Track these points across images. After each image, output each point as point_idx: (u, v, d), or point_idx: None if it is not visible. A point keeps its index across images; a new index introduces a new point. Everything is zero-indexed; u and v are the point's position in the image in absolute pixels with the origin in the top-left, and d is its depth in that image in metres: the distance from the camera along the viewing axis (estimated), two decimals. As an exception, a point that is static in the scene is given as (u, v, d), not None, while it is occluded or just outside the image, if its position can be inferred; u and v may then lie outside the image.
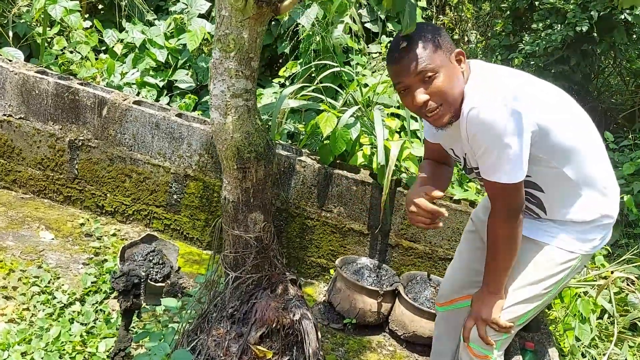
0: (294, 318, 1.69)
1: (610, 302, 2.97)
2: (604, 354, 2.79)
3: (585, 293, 3.06)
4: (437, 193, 1.66)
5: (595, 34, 4.53)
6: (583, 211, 1.70)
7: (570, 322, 2.91)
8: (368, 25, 4.08)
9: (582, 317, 2.90)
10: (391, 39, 4.17)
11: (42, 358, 2.01)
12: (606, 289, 2.96)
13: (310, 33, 3.48)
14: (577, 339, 2.85)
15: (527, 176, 1.58)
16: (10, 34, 3.55)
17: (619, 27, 4.40)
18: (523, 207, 1.63)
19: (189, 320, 1.79)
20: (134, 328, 2.29)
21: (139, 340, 2.06)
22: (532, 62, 4.77)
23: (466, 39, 7.07)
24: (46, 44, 3.61)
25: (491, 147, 1.51)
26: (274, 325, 1.67)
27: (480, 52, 6.40)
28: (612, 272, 3.04)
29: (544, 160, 1.62)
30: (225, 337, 1.68)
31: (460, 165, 1.79)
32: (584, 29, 4.35)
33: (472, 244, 2.04)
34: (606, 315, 3.05)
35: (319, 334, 1.76)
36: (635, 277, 3.10)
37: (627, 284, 3.15)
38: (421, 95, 1.52)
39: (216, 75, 1.54)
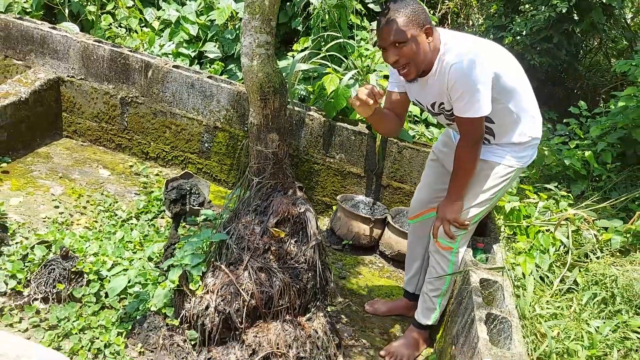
0: (300, 211, 2.34)
1: (567, 237, 3.57)
2: (557, 277, 3.40)
3: (547, 230, 3.66)
4: (374, 89, 2.17)
5: (575, 15, 5.07)
6: (520, 135, 2.32)
7: (533, 254, 3.52)
8: (371, 5, 4.67)
9: (543, 249, 3.50)
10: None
11: (112, 250, 2.68)
12: (564, 225, 3.55)
13: (320, 10, 4.10)
14: (538, 266, 3.45)
15: None
16: (66, 11, 4.21)
17: (595, 8, 4.94)
18: (483, 135, 2.25)
19: (226, 214, 2.44)
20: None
21: (185, 240, 2.72)
22: (519, 41, 5.33)
23: (470, 22, 7.61)
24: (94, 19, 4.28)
25: (466, 92, 2.11)
26: (286, 215, 2.32)
27: (482, 34, 6.95)
28: (574, 214, 3.63)
29: (496, 99, 2.23)
30: (251, 223, 2.33)
31: (425, 110, 2.39)
32: (564, 10, 4.90)
33: (434, 170, 2.67)
34: (563, 248, 3.63)
35: (317, 222, 2.40)
36: (591, 218, 3.69)
37: (583, 224, 3.73)
38: (392, 57, 2.14)
39: (245, 31, 2.17)
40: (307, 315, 2.38)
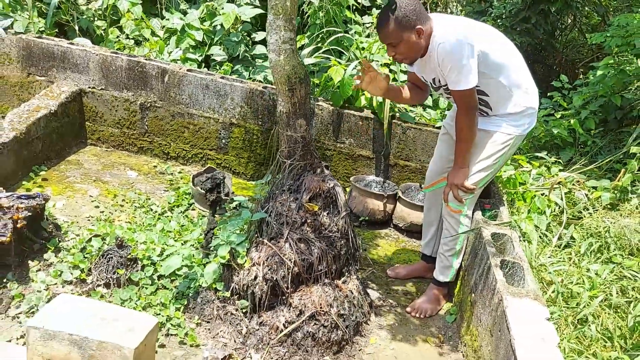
0: (329, 186, 2.64)
1: (561, 198, 3.90)
2: (556, 234, 3.73)
3: (543, 194, 4.00)
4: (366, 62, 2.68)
5: (550, -5, 5.43)
6: (515, 105, 2.64)
7: (531, 216, 3.85)
8: (361, 0, 4.98)
9: (540, 211, 3.83)
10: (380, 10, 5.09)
11: (158, 238, 2.96)
12: (557, 188, 3.88)
13: (315, 9, 4.40)
14: (536, 227, 3.78)
15: (477, 87, 2.51)
16: (77, 27, 4.46)
17: (568, -14, 5.29)
18: (477, 106, 2.57)
19: (262, 196, 2.73)
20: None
21: (222, 225, 3.00)
22: (500, 23, 5.67)
23: (449, 11, 7.96)
24: (102, 33, 4.53)
25: (453, 67, 2.45)
26: (317, 191, 2.61)
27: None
28: (564, 178, 3.97)
29: (486, 74, 2.55)
30: (287, 201, 2.62)
31: (430, 86, 2.72)
32: (540, -10, 5.25)
33: (444, 142, 2.98)
34: (558, 209, 3.97)
35: (345, 196, 2.70)
36: (582, 180, 4.03)
37: (575, 186, 4.08)
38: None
39: (271, 30, 2.46)
40: (343, 279, 2.68)
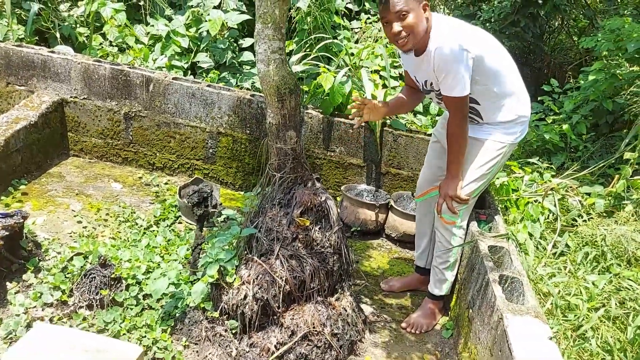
0: (321, 200, 2.55)
1: (554, 205, 3.85)
2: (549, 242, 3.67)
3: (536, 201, 3.94)
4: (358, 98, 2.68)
5: (539, -1, 5.40)
6: (507, 114, 2.57)
7: (525, 224, 3.79)
8: (349, 5, 4.91)
9: (533, 218, 3.77)
10: (369, 16, 5.02)
11: (143, 254, 2.85)
12: (551, 195, 3.82)
13: (302, 15, 4.32)
14: (530, 235, 3.72)
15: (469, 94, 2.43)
16: (58, 34, 4.33)
17: (557, -10, 5.27)
18: (468, 114, 2.50)
19: (251, 209, 2.63)
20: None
21: (210, 240, 2.90)
22: (489, 27, 5.63)
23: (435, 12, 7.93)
24: (85, 40, 4.41)
25: (449, 73, 2.35)
26: (308, 205, 2.52)
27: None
28: (557, 184, 3.91)
29: (479, 82, 2.47)
30: (277, 215, 2.53)
31: (420, 88, 2.64)
32: (528, -6, 5.22)
33: (435, 151, 2.91)
34: (551, 216, 3.92)
35: (337, 209, 2.61)
36: (575, 185, 3.98)
37: (568, 192, 4.03)
38: (397, 27, 2.36)
39: (259, 39, 2.37)
40: (336, 296, 2.59)
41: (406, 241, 3.53)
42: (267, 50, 2.36)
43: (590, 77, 4.19)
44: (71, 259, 2.70)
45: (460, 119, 2.48)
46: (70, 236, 3.07)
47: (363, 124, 3.69)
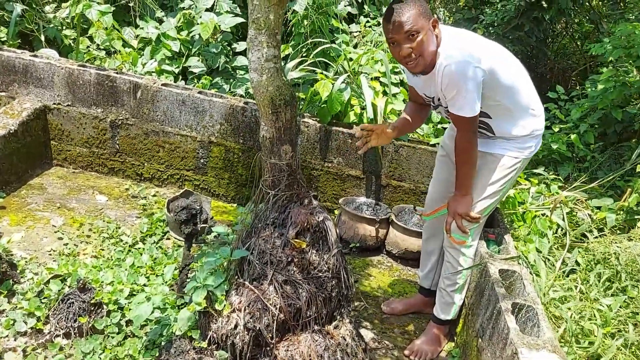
0: (318, 219, 2.35)
1: (563, 219, 3.66)
2: (558, 259, 3.49)
3: (543, 215, 3.76)
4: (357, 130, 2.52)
5: (543, 2, 5.21)
6: (520, 128, 2.38)
7: (532, 238, 3.61)
8: (348, 8, 4.71)
9: (541, 233, 3.59)
10: (368, 19, 4.83)
11: (127, 276, 2.65)
12: (559, 208, 3.64)
13: (299, 18, 4.12)
14: (538, 251, 3.54)
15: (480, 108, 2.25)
16: (43, 37, 4.12)
17: (563, -7, 5.09)
18: (477, 130, 2.31)
19: (243, 227, 2.43)
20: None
21: (199, 259, 2.70)
22: (492, 31, 5.45)
23: (435, 16, 7.76)
24: (72, 43, 4.20)
25: (458, 92, 2.17)
26: (305, 225, 2.33)
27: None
28: (565, 197, 3.73)
29: (490, 97, 2.29)
30: (271, 237, 2.33)
31: (430, 103, 2.45)
32: (533, -2, 5.04)
33: (443, 165, 2.71)
34: (559, 230, 3.74)
35: (336, 230, 2.42)
36: (584, 198, 3.79)
37: (577, 205, 3.85)
38: (406, 49, 2.16)
39: (252, 47, 2.17)
40: (334, 323, 2.39)
41: (408, 258, 3.34)
42: (261, 59, 2.16)
43: (600, 86, 4.00)
44: (48, 281, 2.50)
45: (470, 136, 2.30)
46: (50, 254, 2.86)
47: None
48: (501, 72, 2.25)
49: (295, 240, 2.30)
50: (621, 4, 7.13)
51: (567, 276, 3.17)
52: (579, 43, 6.58)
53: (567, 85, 6.22)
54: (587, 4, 5.81)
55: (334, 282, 2.35)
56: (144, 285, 2.64)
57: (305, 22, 4.15)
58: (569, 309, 2.68)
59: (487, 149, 2.43)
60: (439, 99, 2.36)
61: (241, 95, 3.93)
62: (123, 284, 2.57)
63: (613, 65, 5.69)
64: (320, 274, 2.32)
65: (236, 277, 2.33)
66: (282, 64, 3.97)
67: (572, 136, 4.18)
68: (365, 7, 4.78)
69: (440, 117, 4.05)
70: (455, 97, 2.20)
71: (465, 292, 2.67)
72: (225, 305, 2.24)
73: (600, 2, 6.78)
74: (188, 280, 2.57)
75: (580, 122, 4.44)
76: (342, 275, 2.37)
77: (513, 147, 2.42)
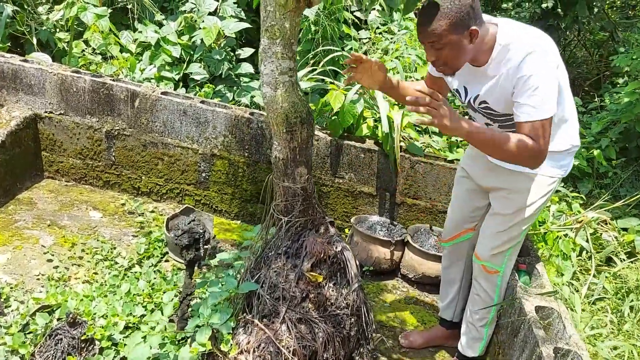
0: (336, 250, 2.12)
1: (587, 241, 3.44)
2: (584, 284, 3.27)
3: (566, 235, 3.53)
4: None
5: (559, 10, 5.00)
6: (561, 143, 2.12)
7: (554, 261, 3.39)
8: (357, 13, 4.48)
9: (564, 255, 3.37)
10: (378, 25, 4.61)
11: (121, 306, 2.40)
12: (583, 230, 3.42)
13: (309, 24, 3.89)
14: (561, 274, 3.31)
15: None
16: (34, 40, 3.87)
17: (580, 1, 4.88)
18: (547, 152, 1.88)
19: (251, 257, 2.20)
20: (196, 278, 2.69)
21: (201, 287, 2.46)
22: (505, 39, 5.23)
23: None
24: (65, 47, 3.96)
25: (541, 87, 1.80)
26: (321, 256, 2.10)
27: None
28: (586, 216, 3.51)
29: None
30: (284, 269, 2.10)
31: (463, 100, 2.14)
32: (550, 5, 4.82)
33: (464, 187, 2.46)
34: (584, 253, 3.52)
35: (356, 261, 2.19)
36: (608, 218, 3.57)
37: (601, 225, 3.63)
38: (429, 57, 1.92)
39: (266, 58, 1.94)
40: (352, 365, 2.16)
41: (425, 283, 3.11)
42: (275, 71, 1.93)
43: (625, 99, 3.79)
44: (34, 313, 2.26)
45: (542, 145, 1.86)
46: (38, 279, 2.62)
47: (376, 148, 3.27)
48: (561, 68, 1.96)
49: (311, 273, 2.07)
50: (630, 12, 6.94)
51: (594, 304, 2.96)
52: (591, 52, 6.37)
53: (578, 95, 6.01)
54: (602, 11, 5.61)
55: (353, 319, 2.12)
56: (141, 316, 2.40)
57: (314, 28, 3.92)
58: (613, 349, 2.44)
59: (521, 168, 2.17)
60: (484, 102, 2.05)
61: (246, 105, 3.69)
62: (118, 316, 2.33)
63: (629, 76, 5.47)
64: (339, 311, 2.09)
65: (244, 313, 2.09)
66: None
67: (595, 152, 3.96)
68: (375, 12, 4.55)
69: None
70: (534, 93, 1.83)
71: (494, 326, 2.44)
72: (232, 345, 2.00)
73: (610, 10, 6.59)
74: (190, 310, 2.33)
75: (600, 136, 4.23)
76: (362, 312, 2.14)
77: (549, 165, 2.15)
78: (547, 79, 1.83)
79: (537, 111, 1.83)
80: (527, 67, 1.83)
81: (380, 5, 4.53)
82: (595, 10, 5.31)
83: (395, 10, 4.51)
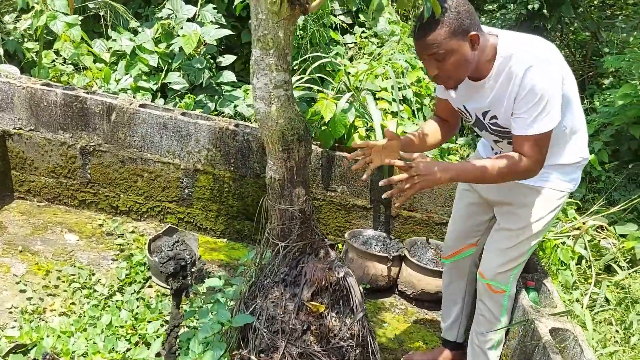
0: (339, 276, 1.96)
1: (585, 248, 3.34)
2: (585, 294, 3.17)
3: (563, 243, 3.43)
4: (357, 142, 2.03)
5: (545, 11, 4.94)
6: (570, 155, 2.00)
7: (553, 270, 3.28)
8: (341, 17, 4.34)
9: (562, 264, 3.27)
10: (364, 29, 4.47)
11: (103, 342, 2.20)
12: (580, 237, 3.32)
13: (298, 28, 3.73)
14: (570, 291, 3.20)
15: None
16: (2, 51, 3.63)
17: (566, 2, 4.82)
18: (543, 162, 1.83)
19: (243, 287, 2.02)
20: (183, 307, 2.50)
21: (189, 317, 2.27)
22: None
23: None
24: (34, 57, 3.73)
25: (541, 99, 1.72)
26: (322, 284, 1.93)
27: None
28: (584, 223, 3.41)
29: None
30: (282, 298, 1.92)
31: (470, 120, 2.03)
32: (536, 6, 4.75)
33: (466, 200, 2.33)
34: (583, 261, 3.42)
35: (360, 288, 2.03)
36: (605, 224, 3.49)
37: (598, 231, 3.54)
38: (432, 70, 1.78)
39: (258, 70, 1.77)
40: (358, 399, 2.00)
41: (424, 300, 2.97)
42: (269, 85, 1.76)
43: (619, 102, 3.71)
44: (7, 354, 2.04)
45: (536, 162, 1.81)
46: (10, 312, 2.40)
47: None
48: (567, 77, 1.85)
49: (312, 303, 1.90)
50: (608, 11, 6.94)
51: (597, 315, 2.86)
52: (574, 52, 6.34)
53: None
54: (587, 12, 5.57)
55: (358, 350, 1.96)
56: (126, 351, 2.20)
57: (301, 34, 3.76)
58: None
59: (533, 183, 2.05)
60: (493, 116, 1.93)
61: (230, 116, 3.51)
62: (99, 353, 2.13)
63: (614, 76, 5.43)
64: (342, 343, 1.93)
65: (239, 349, 1.91)
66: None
67: (591, 157, 3.87)
68: (360, 16, 4.42)
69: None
70: (535, 106, 1.74)
71: (502, 347, 2.30)
72: (227, 385, 1.82)
73: (589, 9, 6.58)
74: (178, 342, 2.15)
75: (591, 139, 4.15)
76: (367, 342, 1.98)
77: (558, 178, 2.04)
78: (549, 91, 1.73)
79: (534, 125, 1.76)
80: (530, 78, 1.73)
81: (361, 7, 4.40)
82: (580, 9, 5.26)
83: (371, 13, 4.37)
